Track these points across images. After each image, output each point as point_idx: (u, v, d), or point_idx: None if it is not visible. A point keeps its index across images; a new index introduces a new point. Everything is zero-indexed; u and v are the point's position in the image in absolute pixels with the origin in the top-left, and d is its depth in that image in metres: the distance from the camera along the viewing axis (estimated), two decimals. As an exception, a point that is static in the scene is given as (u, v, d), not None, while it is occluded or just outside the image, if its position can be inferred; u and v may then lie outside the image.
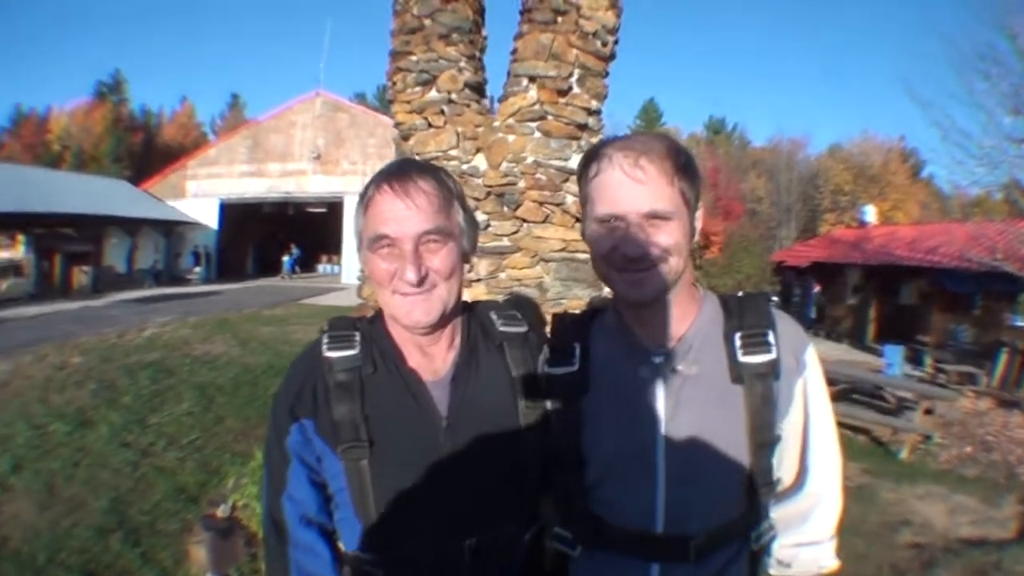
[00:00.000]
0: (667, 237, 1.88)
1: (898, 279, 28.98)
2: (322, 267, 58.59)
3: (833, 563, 2.23)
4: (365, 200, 2.06)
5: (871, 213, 39.22)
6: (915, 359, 22.13)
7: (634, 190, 1.88)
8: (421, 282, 1.96)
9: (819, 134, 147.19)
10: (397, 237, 1.96)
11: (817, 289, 34.28)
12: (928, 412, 13.32)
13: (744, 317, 2.05)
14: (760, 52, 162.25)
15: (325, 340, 2.14)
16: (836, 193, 63.93)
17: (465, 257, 2.15)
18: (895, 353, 19.67)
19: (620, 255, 1.91)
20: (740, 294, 2.18)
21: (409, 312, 2.00)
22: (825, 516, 2.19)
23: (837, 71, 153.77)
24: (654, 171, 1.88)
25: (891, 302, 29.60)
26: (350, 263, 44.28)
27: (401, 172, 2.04)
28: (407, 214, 1.96)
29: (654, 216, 1.88)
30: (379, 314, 2.24)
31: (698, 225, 2.04)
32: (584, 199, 2.06)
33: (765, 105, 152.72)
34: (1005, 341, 20.88)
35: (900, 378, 17.80)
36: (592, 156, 2.01)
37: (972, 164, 17.65)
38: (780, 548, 2.22)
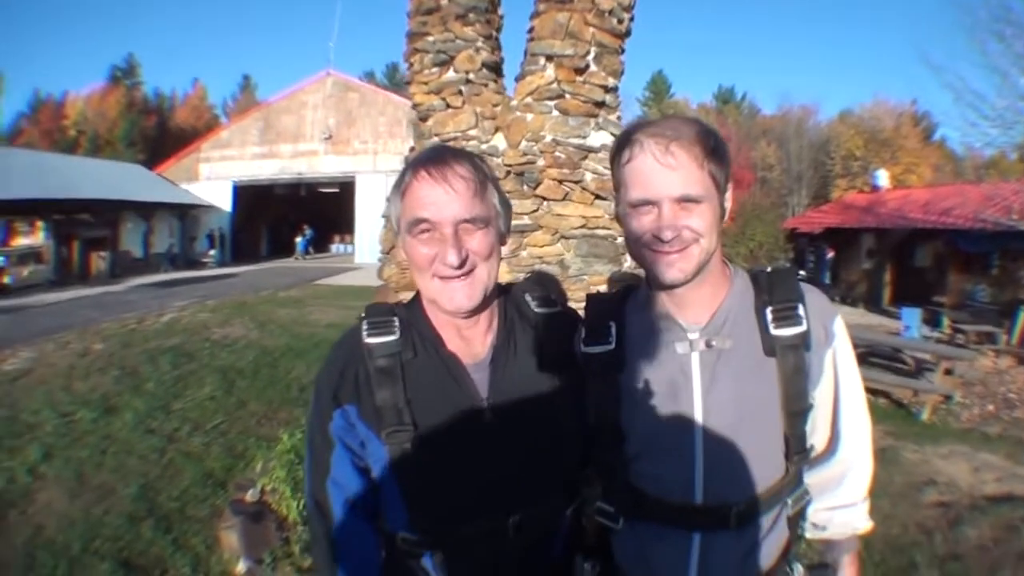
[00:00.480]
0: (698, 220, 1.95)
1: (913, 242, 28.95)
2: (335, 247, 58.86)
3: (867, 524, 2.33)
4: (402, 186, 2.09)
5: (883, 177, 39.01)
6: (932, 321, 22.03)
7: (666, 176, 1.93)
8: (462, 264, 1.99)
9: (830, 100, 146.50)
10: (437, 221, 1.99)
11: (830, 255, 34.20)
12: (948, 372, 13.31)
13: (774, 292, 2.11)
14: (768, 20, 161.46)
15: (365, 327, 2.17)
16: (847, 159, 63.66)
17: (501, 239, 2.19)
18: (912, 315, 19.63)
19: (654, 238, 1.97)
20: (769, 269, 2.23)
21: (451, 297, 2.04)
22: (857, 480, 2.30)
23: (847, 37, 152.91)
24: (685, 156, 1.93)
25: (906, 265, 29.58)
26: (363, 242, 44.93)
27: (438, 158, 2.06)
28: (446, 199, 1.99)
29: (686, 200, 1.93)
30: (416, 299, 2.28)
31: (728, 205, 2.09)
32: (617, 184, 2.11)
33: (774, 73, 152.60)
34: (1023, 299, 20.83)
35: (918, 340, 17.82)
36: (624, 142, 2.05)
37: (986, 125, 17.71)
38: (815, 512, 2.33)
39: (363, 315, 2.24)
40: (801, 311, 2.07)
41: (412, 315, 2.23)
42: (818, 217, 37.80)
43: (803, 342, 2.05)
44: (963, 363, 14.15)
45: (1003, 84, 17.15)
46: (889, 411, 12.41)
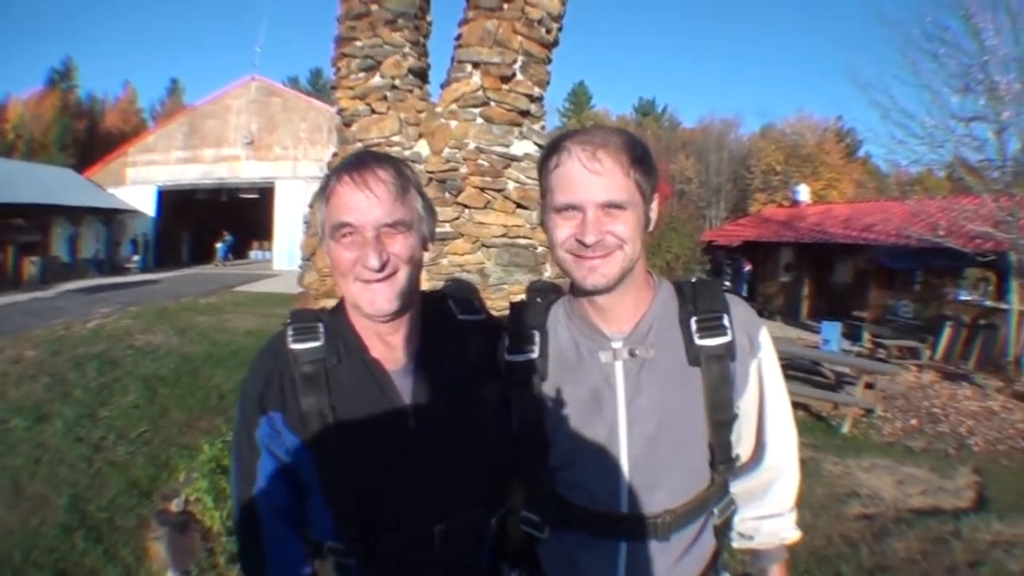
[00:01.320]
0: (622, 226, 1.95)
1: (832, 257, 29.40)
2: (254, 253, 58.80)
3: (795, 534, 2.33)
4: (327, 192, 2.09)
5: (804, 192, 39.75)
6: (852, 335, 22.36)
7: (591, 181, 1.93)
8: (383, 267, 1.99)
9: (753, 115, 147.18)
10: (359, 225, 1.99)
11: (748, 268, 34.55)
12: (869, 386, 13.43)
13: (699, 302, 2.12)
14: (693, 34, 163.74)
15: (290, 332, 2.15)
16: (767, 173, 64.46)
17: (424, 244, 2.19)
18: (832, 329, 19.85)
19: (577, 243, 1.97)
20: (694, 280, 2.24)
21: (372, 301, 2.03)
22: (784, 489, 2.30)
23: (774, 52, 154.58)
24: (611, 163, 1.93)
25: (825, 279, 30.07)
26: (282, 249, 45.18)
27: (361, 163, 2.07)
28: (367, 203, 1.99)
29: (610, 206, 1.94)
30: (340, 305, 2.26)
31: (653, 216, 2.09)
32: (544, 190, 2.11)
33: (698, 88, 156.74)
34: (949, 315, 21.24)
35: (838, 354, 17.95)
36: (552, 149, 2.05)
37: (914, 143, 17.87)
38: (742, 521, 2.32)
39: (288, 320, 2.22)
40: (726, 321, 2.09)
41: (336, 321, 2.21)
42: (736, 230, 38.30)
43: (728, 352, 2.07)
44: (884, 377, 14.20)
45: (933, 103, 17.38)
46: (809, 424, 12.49)
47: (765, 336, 2.21)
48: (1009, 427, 12.79)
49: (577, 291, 2.15)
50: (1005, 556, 6.85)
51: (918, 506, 8.39)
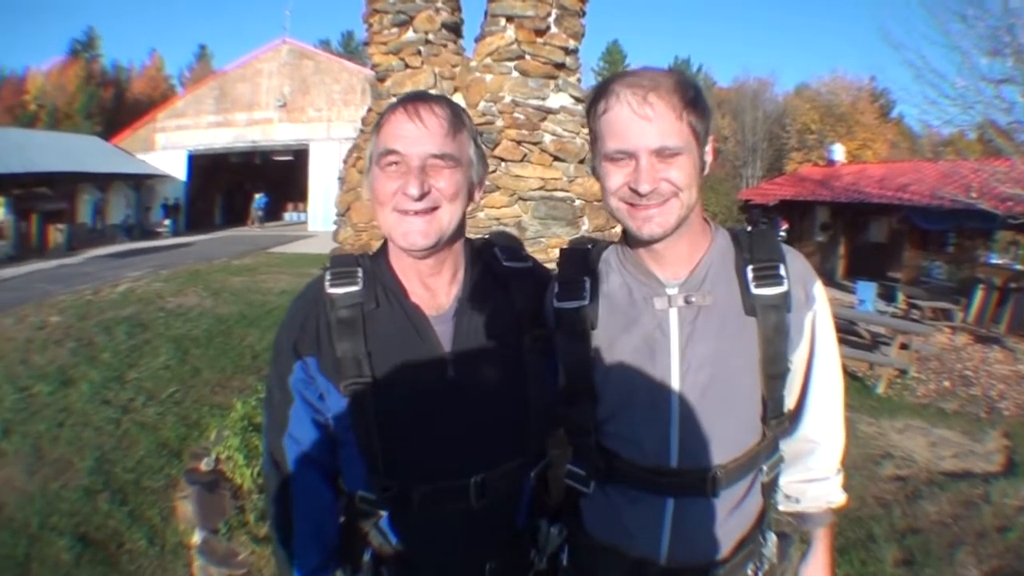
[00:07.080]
0: (677, 172, 1.88)
1: (867, 216, 29.43)
2: (289, 215, 58.67)
3: (841, 498, 2.29)
4: (380, 123, 2.07)
5: (839, 152, 39.17)
6: (887, 296, 22.40)
7: (643, 127, 1.86)
8: (423, 197, 1.96)
9: (786, 74, 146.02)
10: (405, 154, 1.96)
11: (784, 227, 34.24)
12: (904, 347, 13.45)
13: (755, 250, 2.06)
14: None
15: (328, 277, 2.12)
16: (803, 132, 63.65)
17: (471, 188, 2.15)
18: (867, 289, 19.92)
19: (631, 192, 1.91)
20: (749, 229, 2.19)
21: (407, 233, 2.00)
22: (830, 451, 2.25)
23: (806, 11, 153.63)
24: (662, 107, 1.86)
25: (860, 239, 30.04)
26: (316, 210, 45.18)
27: (417, 96, 2.06)
28: (417, 133, 1.97)
29: (664, 152, 1.86)
30: (382, 249, 2.24)
31: (708, 159, 2.03)
32: (593, 136, 2.04)
33: (732, 46, 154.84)
34: (981, 278, 21.09)
35: (873, 314, 17.97)
36: (601, 92, 1.98)
37: (945, 104, 17.60)
38: (788, 484, 2.28)
39: (327, 265, 2.18)
40: (783, 271, 2.03)
41: (377, 265, 2.18)
42: (772, 189, 37.85)
43: (784, 302, 2.01)
44: (919, 338, 14.23)
45: (964, 64, 17.10)
46: (845, 383, 12.23)
47: (820, 289, 2.15)
48: (1037, 393, 12.71)
49: (631, 238, 2.09)
50: (1031, 523, 6.86)
51: (950, 469, 8.43)
